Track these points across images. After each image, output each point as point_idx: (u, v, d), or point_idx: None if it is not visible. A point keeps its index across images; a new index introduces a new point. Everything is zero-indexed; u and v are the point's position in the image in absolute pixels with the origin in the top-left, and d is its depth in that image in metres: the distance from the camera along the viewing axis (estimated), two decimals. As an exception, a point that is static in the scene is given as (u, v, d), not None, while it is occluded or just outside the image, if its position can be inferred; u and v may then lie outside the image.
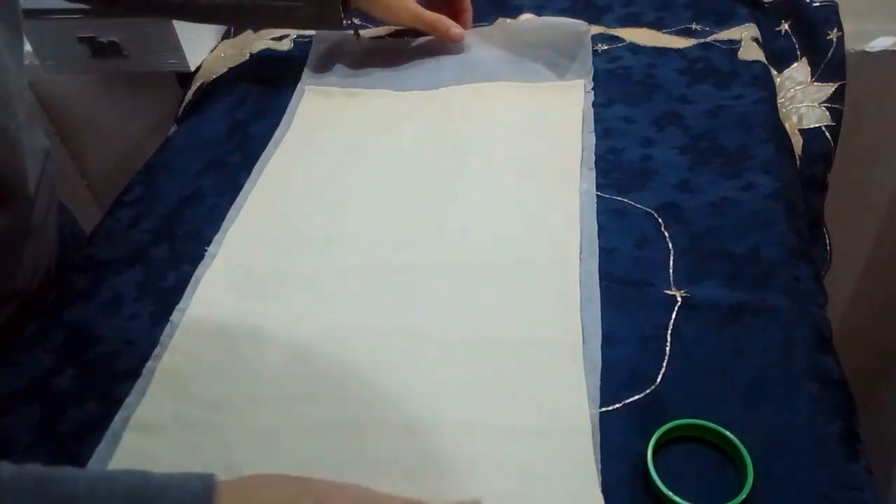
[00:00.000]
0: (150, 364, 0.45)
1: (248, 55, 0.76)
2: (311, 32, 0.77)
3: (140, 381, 0.45)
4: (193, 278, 0.51)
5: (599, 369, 0.42)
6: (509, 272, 0.49)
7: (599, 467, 0.38)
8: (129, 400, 0.43)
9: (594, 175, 0.55)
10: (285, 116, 0.66)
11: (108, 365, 0.46)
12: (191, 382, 0.44)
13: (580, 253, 0.49)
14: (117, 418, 0.43)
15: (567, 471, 0.38)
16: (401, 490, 0.36)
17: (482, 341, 0.45)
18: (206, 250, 0.53)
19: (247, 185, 0.58)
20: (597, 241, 0.50)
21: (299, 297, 0.49)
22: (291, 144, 0.63)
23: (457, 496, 0.37)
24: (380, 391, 0.42)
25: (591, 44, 0.68)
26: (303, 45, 0.76)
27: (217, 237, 0.54)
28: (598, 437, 0.39)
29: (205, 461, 0.40)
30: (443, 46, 0.71)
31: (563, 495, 0.37)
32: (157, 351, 0.46)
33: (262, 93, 0.70)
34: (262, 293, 0.49)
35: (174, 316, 0.48)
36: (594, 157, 0.57)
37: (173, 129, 0.70)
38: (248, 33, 0.79)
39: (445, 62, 0.69)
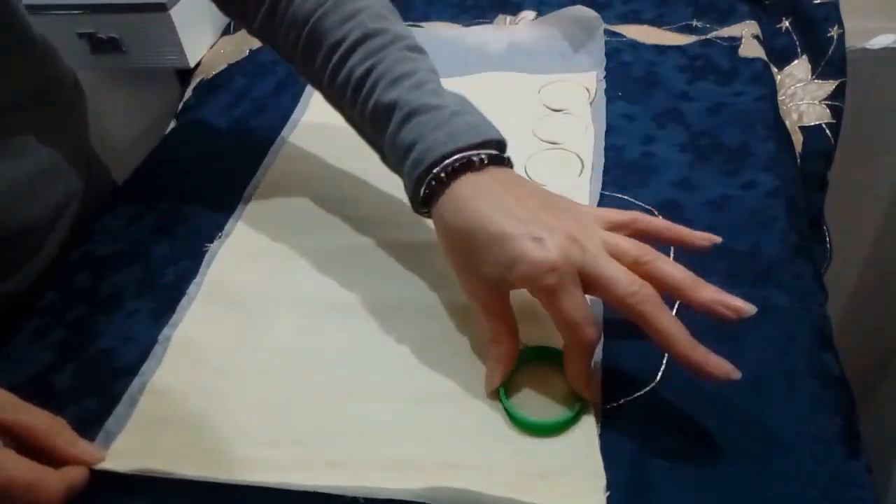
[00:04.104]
0: (166, 332, 0.47)
1: (247, 51, 0.76)
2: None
3: (157, 348, 0.46)
4: (209, 253, 0.52)
5: (601, 332, 0.43)
6: None
7: (599, 431, 0.39)
8: (145, 366, 0.45)
9: (602, 162, 0.56)
10: (301, 101, 0.67)
11: (107, 362, 0.46)
12: (206, 350, 0.46)
13: None
14: (135, 383, 0.44)
15: (570, 433, 0.39)
16: (407, 453, 0.39)
17: None
18: (206, 247, 0.53)
19: (262, 167, 0.60)
20: None
21: (311, 272, 0.50)
22: (307, 128, 0.64)
23: (462, 459, 0.38)
24: (388, 361, 0.44)
25: (603, 35, 0.69)
26: (303, 42, 0.76)
27: (233, 216, 0.55)
28: (601, 396, 0.40)
29: (219, 425, 0.42)
30: (457, 36, 0.71)
31: (566, 455, 0.38)
32: (173, 320, 0.48)
33: (261, 89, 0.70)
34: (275, 268, 0.51)
35: (190, 288, 0.50)
36: (603, 145, 0.57)
37: (172, 125, 0.70)
38: (248, 29, 0.79)
39: (459, 52, 0.70)
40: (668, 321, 0.36)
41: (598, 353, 0.43)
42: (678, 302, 0.45)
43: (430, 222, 0.53)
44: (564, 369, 0.40)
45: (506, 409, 0.40)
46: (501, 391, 0.40)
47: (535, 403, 0.41)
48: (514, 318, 0.41)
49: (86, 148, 0.61)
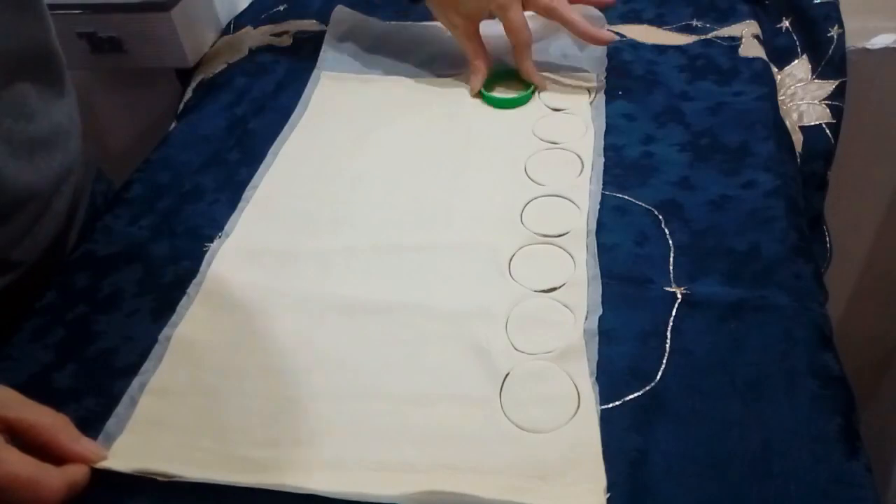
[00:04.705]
0: (165, 332, 0.47)
1: (247, 51, 0.76)
2: (313, 28, 0.77)
3: (157, 348, 0.46)
4: (209, 253, 0.52)
5: (597, 338, 0.43)
6: (516, 252, 0.50)
7: (599, 432, 0.39)
8: (145, 366, 0.45)
9: (602, 162, 0.56)
10: (301, 101, 0.67)
11: (107, 361, 0.46)
12: (205, 351, 0.46)
13: (586, 237, 0.50)
14: (134, 383, 0.44)
15: (571, 434, 0.39)
16: (405, 455, 0.39)
17: (488, 316, 0.46)
18: (206, 247, 0.53)
19: (262, 167, 0.60)
20: (595, 220, 0.51)
21: (311, 273, 0.50)
22: (307, 128, 0.64)
23: (460, 461, 0.38)
24: (387, 363, 0.44)
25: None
26: (302, 41, 0.76)
27: (233, 216, 0.55)
28: (599, 403, 0.40)
29: (219, 425, 0.42)
30: None
31: (565, 456, 0.38)
32: (173, 320, 0.48)
33: (261, 89, 0.70)
34: (275, 268, 0.51)
35: (190, 288, 0.50)
36: (603, 145, 0.58)
37: (173, 125, 0.70)
38: (248, 29, 0.79)
39: (460, 50, 0.69)
40: (573, 14, 0.62)
41: (595, 354, 0.43)
42: (679, 301, 0.45)
43: (428, 223, 0.53)
44: (518, 66, 0.64)
45: (486, 98, 0.64)
46: (482, 91, 0.64)
47: (504, 95, 0.64)
48: (484, 44, 0.65)
49: (78, 123, 0.61)
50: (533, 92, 0.64)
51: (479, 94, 0.64)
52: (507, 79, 0.66)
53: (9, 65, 0.50)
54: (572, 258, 0.49)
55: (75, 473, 0.38)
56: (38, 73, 0.53)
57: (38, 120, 0.53)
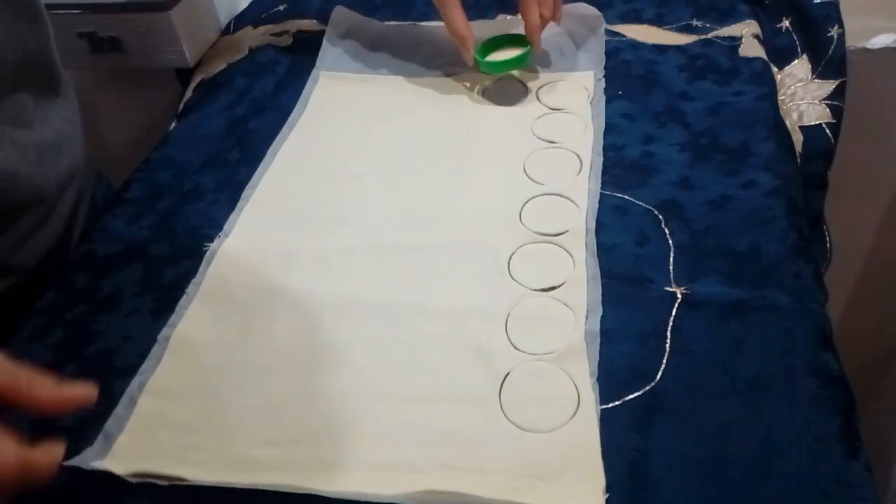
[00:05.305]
0: (165, 331, 0.47)
1: (247, 51, 0.76)
2: (313, 27, 0.77)
3: (156, 348, 0.46)
4: (208, 253, 0.52)
5: (598, 339, 0.43)
6: (516, 251, 0.50)
7: (599, 431, 0.39)
8: (144, 366, 0.45)
9: (601, 161, 0.56)
10: (300, 101, 0.67)
11: (107, 361, 0.46)
12: (205, 350, 0.46)
13: (585, 235, 0.50)
14: (133, 383, 0.44)
15: (571, 434, 0.39)
16: (405, 455, 0.39)
17: (488, 316, 0.46)
18: (206, 247, 0.53)
19: (261, 167, 0.60)
20: (594, 219, 0.51)
21: (310, 273, 0.50)
22: (306, 128, 0.64)
23: (459, 461, 0.38)
24: (387, 362, 0.44)
25: (604, 33, 0.69)
26: (302, 41, 0.76)
27: (232, 216, 0.55)
28: (598, 403, 0.40)
29: (218, 425, 0.42)
30: None
31: (565, 456, 0.38)
32: (172, 319, 0.48)
33: (261, 88, 0.70)
34: (274, 268, 0.51)
35: (189, 288, 0.50)
36: (602, 144, 0.58)
37: (173, 125, 0.70)
38: (248, 28, 0.79)
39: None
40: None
41: (595, 355, 0.43)
42: (679, 301, 0.45)
43: (428, 222, 0.53)
44: (524, 16, 0.62)
45: (482, 65, 0.64)
46: (477, 58, 0.63)
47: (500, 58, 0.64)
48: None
49: (80, 127, 0.61)
50: (529, 52, 0.63)
51: (474, 61, 0.63)
52: (499, 50, 0.66)
53: (6, 75, 0.50)
54: (571, 257, 0.49)
55: (58, 451, 0.33)
56: (35, 82, 0.53)
57: (35, 126, 0.53)
